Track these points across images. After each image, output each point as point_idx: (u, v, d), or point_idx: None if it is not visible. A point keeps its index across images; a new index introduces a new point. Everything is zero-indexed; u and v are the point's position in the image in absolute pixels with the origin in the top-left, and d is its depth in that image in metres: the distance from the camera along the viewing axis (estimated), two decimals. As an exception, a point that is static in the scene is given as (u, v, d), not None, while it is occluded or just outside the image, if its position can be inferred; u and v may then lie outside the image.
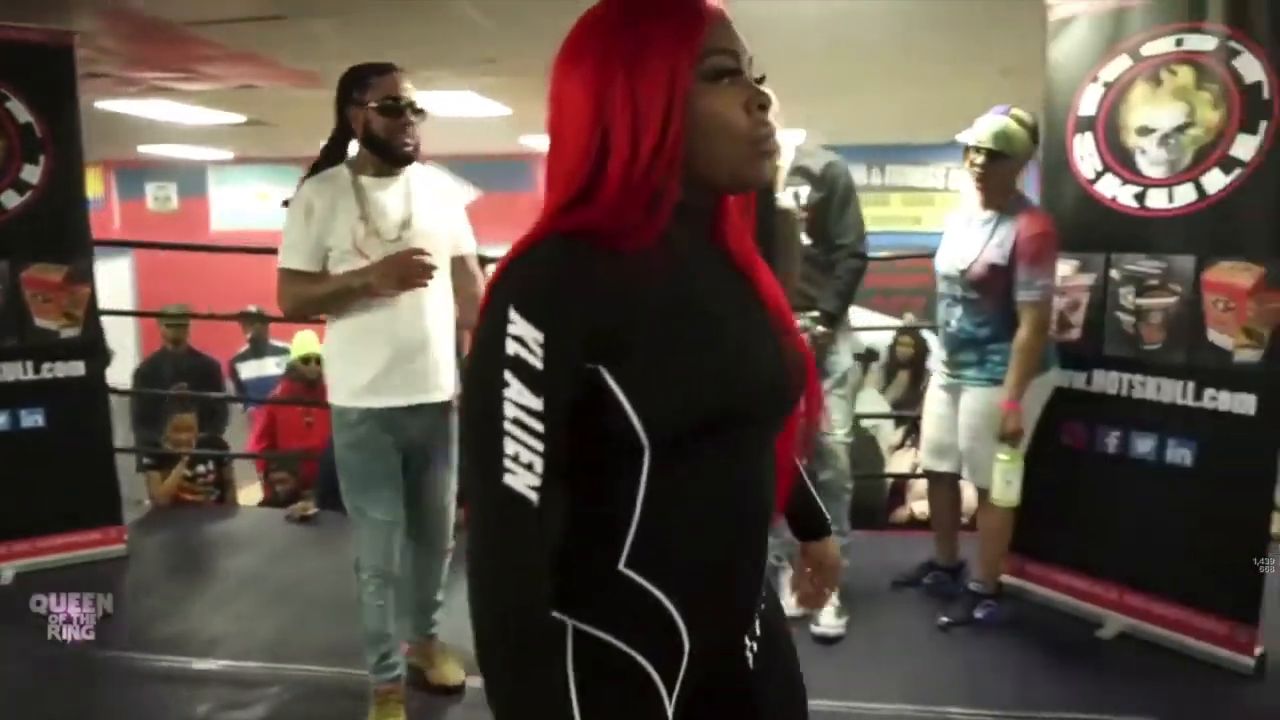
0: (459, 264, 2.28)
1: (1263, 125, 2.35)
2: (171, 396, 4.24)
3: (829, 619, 2.68)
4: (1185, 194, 2.50)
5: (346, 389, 2.18)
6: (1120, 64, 2.60)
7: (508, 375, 0.76)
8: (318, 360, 4.45)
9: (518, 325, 0.76)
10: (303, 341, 4.61)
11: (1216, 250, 2.45)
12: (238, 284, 6.93)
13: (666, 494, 0.82)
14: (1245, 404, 2.41)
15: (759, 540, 0.91)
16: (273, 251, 2.21)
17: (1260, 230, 2.37)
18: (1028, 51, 2.94)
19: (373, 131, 2.11)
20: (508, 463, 0.77)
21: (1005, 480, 2.55)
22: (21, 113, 3.05)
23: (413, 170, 2.20)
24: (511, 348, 0.76)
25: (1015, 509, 2.61)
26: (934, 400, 2.80)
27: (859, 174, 9.48)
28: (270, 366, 5.27)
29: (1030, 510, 2.64)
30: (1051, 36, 2.75)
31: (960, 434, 2.67)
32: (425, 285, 2.09)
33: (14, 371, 3.10)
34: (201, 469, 3.98)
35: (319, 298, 2.16)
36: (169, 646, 2.67)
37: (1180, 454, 2.55)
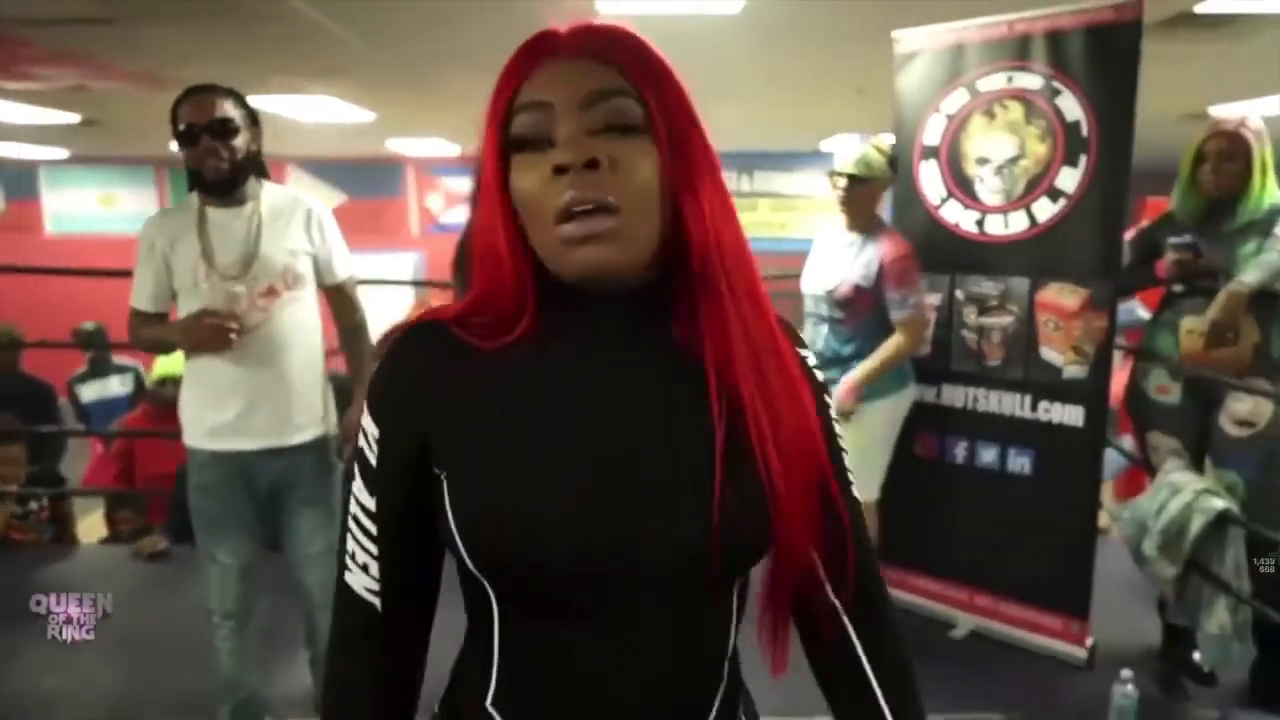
0: (332, 293, 2.18)
1: (1082, 159, 2.54)
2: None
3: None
4: (1019, 221, 2.68)
5: (196, 430, 2.08)
6: (959, 97, 2.76)
7: (356, 469, 0.74)
8: (176, 382, 4.19)
9: (365, 418, 0.73)
10: (163, 361, 4.32)
11: (1047, 273, 2.64)
12: (75, 298, 6.44)
13: (520, 642, 0.70)
14: (1074, 415, 2.62)
15: None
16: (114, 273, 2.10)
17: (1084, 255, 2.57)
18: (880, 74, 3.08)
19: (187, 163, 1.99)
20: (347, 559, 0.75)
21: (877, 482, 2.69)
22: None
23: (266, 193, 2.07)
24: (360, 441, 0.73)
25: (877, 515, 2.72)
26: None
27: (729, 180, 9.69)
28: (115, 386, 4.90)
29: (886, 518, 2.77)
30: (898, 69, 2.89)
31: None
32: (229, 346, 1.97)
33: None
34: (34, 505, 3.66)
35: (154, 341, 2.11)
36: (-4, 711, 2.47)
37: (1020, 462, 2.73)
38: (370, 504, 0.72)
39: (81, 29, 3.46)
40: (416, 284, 8.74)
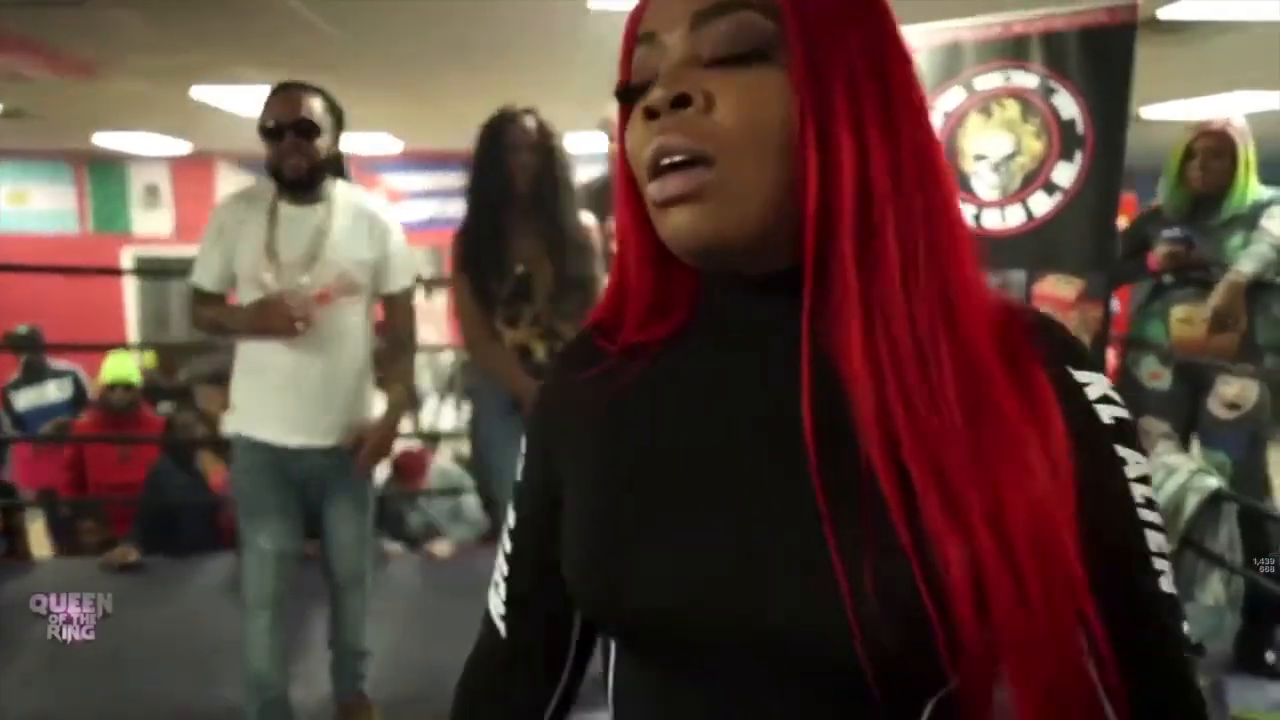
0: (386, 303, 2.15)
1: (1078, 155, 2.65)
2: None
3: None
4: (1016, 215, 2.78)
5: (239, 416, 2.11)
6: (956, 95, 2.84)
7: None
8: (127, 387, 4.00)
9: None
10: (114, 365, 4.11)
11: (1044, 265, 2.74)
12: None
13: (628, 694, 0.60)
14: (1070, 402, 2.73)
15: None
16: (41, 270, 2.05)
17: (1079, 247, 2.68)
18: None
19: (267, 157, 1.99)
20: (495, 575, 0.68)
21: None
22: None
23: (340, 195, 2.06)
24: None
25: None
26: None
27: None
28: (52, 392, 4.62)
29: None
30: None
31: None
32: (294, 335, 1.97)
33: None
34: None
35: (216, 323, 2.10)
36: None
37: (1017, 449, 2.84)
38: (511, 520, 0.66)
39: (38, 11, 3.26)
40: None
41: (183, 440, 3.65)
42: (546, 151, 2.11)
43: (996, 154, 2.78)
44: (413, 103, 5.79)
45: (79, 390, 4.82)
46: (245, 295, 2.04)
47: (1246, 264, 2.42)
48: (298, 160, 1.95)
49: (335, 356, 2.06)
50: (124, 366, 4.21)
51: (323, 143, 1.98)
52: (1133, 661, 0.50)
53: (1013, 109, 2.74)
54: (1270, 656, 2.61)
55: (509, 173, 2.10)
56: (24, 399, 4.59)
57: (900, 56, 0.52)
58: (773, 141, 0.49)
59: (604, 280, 2.46)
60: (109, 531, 3.64)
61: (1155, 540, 0.52)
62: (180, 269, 2.35)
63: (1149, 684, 0.51)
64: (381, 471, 4.00)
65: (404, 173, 9.31)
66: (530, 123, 2.11)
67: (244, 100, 5.32)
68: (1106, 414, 0.51)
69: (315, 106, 1.98)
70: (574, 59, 4.13)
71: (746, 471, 0.52)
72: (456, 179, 9.21)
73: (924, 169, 0.51)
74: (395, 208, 9.33)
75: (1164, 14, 3.49)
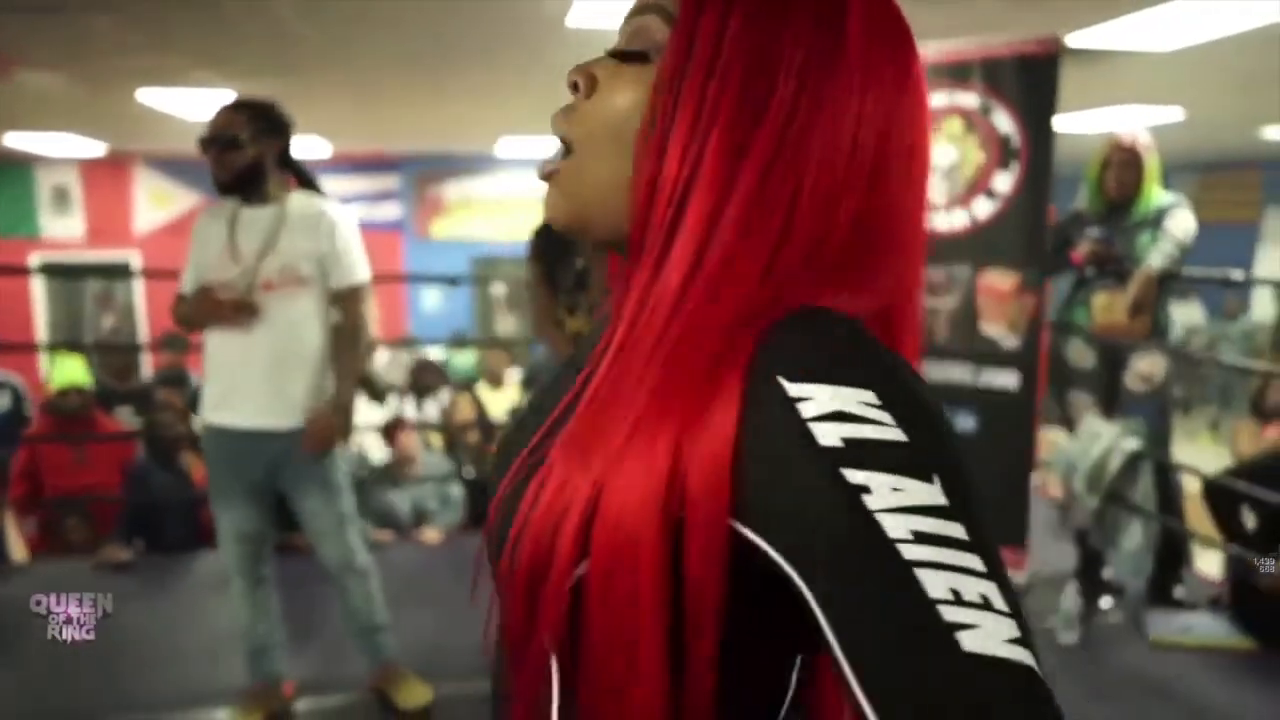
0: (336, 298, 2.29)
1: (1014, 165, 3.06)
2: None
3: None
4: (961, 218, 3.17)
5: (204, 403, 2.30)
6: (907, 111, 3.21)
7: None
8: (79, 391, 3.99)
9: None
10: (65, 370, 4.07)
11: (986, 261, 3.14)
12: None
13: None
14: (1011, 380, 3.13)
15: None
16: None
17: (1016, 245, 3.09)
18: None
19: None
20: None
21: None
22: None
23: (295, 198, 2.25)
24: None
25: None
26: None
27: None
28: None
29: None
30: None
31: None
32: (232, 322, 2.16)
33: None
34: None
35: (183, 317, 2.30)
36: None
37: (966, 423, 3.23)
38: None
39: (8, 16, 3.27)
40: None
41: (163, 438, 3.69)
42: None
43: (944, 164, 3.17)
44: (348, 107, 5.84)
45: (17, 400, 4.70)
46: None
47: (1156, 259, 2.88)
48: (219, 170, 2.16)
49: (285, 343, 2.20)
50: (75, 370, 4.18)
51: (246, 155, 2.15)
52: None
53: (956, 125, 3.13)
54: (1179, 591, 3.08)
55: None
56: None
57: (810, 105, 0.49)
58: (623, 135, 0.52)
59: None
60: (93, 530, 3.65)
61: (935, 581, 0.39)
62: (94, 273, 2.50)
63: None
64: (377, 458, 4.12)
65: (336, 176, 9.26)
66: None
67: (192, 104, 5.29)
68: (831, 433, 0.42)
69: (236, 121, 2.15)
70: (546, 74, 4.31)
71: (564, 405, 0.55)
72: (386, 182, 9.24)
73: (766, 201, 0.49)
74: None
75: (1072, 42, 3.98)
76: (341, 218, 2.26)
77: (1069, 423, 3.20)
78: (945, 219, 3.20)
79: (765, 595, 0.46)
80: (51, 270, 7.62)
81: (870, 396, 0.43)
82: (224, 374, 2.22)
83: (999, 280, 3.13)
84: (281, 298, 2.18)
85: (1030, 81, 3.00)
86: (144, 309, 8.85)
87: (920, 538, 0.40)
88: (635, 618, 0.45)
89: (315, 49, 4.16)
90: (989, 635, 0.38)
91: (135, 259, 8.41)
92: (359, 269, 2.28)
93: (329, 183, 8.77)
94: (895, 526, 0.40)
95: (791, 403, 0.43)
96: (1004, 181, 3.09)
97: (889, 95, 0.51)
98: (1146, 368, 3.00)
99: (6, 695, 2.56)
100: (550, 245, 2.46)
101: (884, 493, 0.41)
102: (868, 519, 0.40)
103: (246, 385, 2.19)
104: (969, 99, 3.11)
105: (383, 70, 4.39)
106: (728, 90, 0.49)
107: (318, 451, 2.24)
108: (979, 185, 3.13)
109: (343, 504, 2.34)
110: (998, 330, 3.14)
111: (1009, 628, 0.39)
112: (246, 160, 2.15)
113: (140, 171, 8.73)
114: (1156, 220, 2.98)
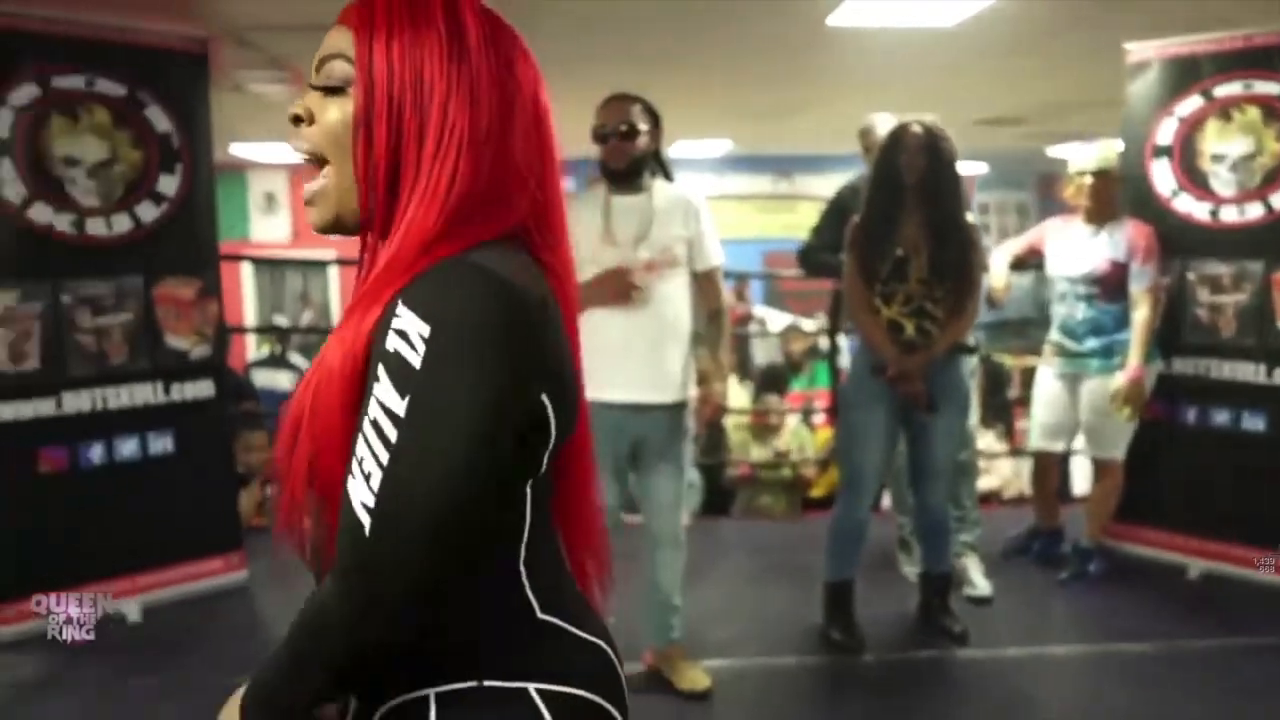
0: (701, 279, 2.45)
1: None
2: (240, 414, 3.98)
3: (981, 582, 3.05)
4: (1255, 210, 3.07)
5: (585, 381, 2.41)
6: (1193, 102, 3.14)
7: None
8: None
9: None
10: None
11: (1282, 256, 3.03)
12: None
13: None
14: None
15: None
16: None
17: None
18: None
19: (599, 156, 2.38)
20: None
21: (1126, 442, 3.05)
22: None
23: (659, 186, 2.41)
24: None
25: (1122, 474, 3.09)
26: (1049, 389, 3.23)
27: (768, 183, 10.10)
28: (283, 381, 5.00)
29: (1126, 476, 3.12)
30: (1129, 78, 3.27)
31: (1086, 413, 3.11)
32: (631, 302, 2.29)
33: (144, 394, 2.89)
34: (271, 491, 3.77)
35: None
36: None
37: (1254, 423, 3.12)
38: None
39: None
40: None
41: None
42: (934, 152, 2.43)
43: (1235, 154, 3.07)
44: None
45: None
46: (585, 275, 2.34)
47: None
48: (615, 158, 2.33)
49: (664, 321, 2.37)
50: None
51: (641, 143, 2.33)
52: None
53: (1253, 113, 3.03)
54: None
55: (899, 169, 2.44)
56: (261, 377, 5.01)
57: (453, 105, 0.74)
58: (342, 143, 0.75)
59: (984, 271, 2.77)
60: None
61: (361, 449, 0.67)
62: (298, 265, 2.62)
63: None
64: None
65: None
66: (918, 129, 2.43)
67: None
68: (392, 341, 0.67)
69: (635, 112, 2.34)
70: (808, 72, 4.34)
71: None
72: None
73: (434, 176, 0.73)
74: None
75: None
76: (703, 204, 2.42)
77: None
78: (1235, 211, 3.11)
79: None
80: (260, 263, 8.27)
81: (425, 329, 0.66)
82: (605, 351, 2.32)
83: (1296, 275, 3.01)
84: (661, 279, 2.33)
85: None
86: (339, 305, 9.47)
87: (373, 424, 0.66)
88: (329, 417, 0.71)
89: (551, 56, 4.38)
90: (356, 489, 0.66)
91: (332, 257, 8.98)
92: (719, 251, 2.44)
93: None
94: (372, 406, 0.67)
95: (393, 318, 0.67)
96: (1302, 173, 2.97)
97: (508, 87, 0.76)
98: None
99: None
100: (869, 235, 2.52)
101: (381, 389, 0.66)
102: (370, 391, 0.67)
103: (628, 362, 2.33)
104: (1269, 86, 3.00)
105: (577, 76, 4.55)
106: (402, 103, 0.73)
107: (710, 420, 2.42)
108: (1279, 176, 3.02)
109: (684, 483, 2.50)
110: (1293, 326, 3.02)
111: (367, 499, 0.65)
112: (641, 149, 2.32)
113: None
114: None
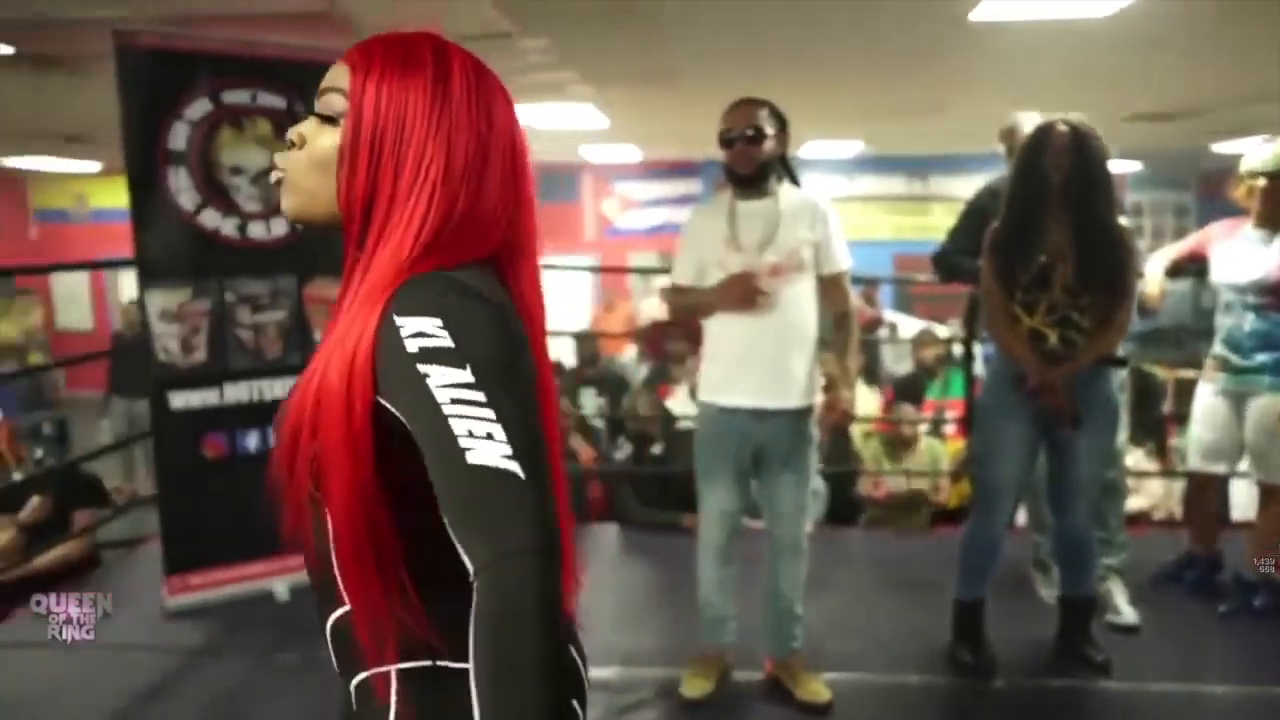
0: (827, 282, 2.40)
1: None
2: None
3: (1127, 610, 2.85)
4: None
5: (704, 384, 2.45)
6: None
7: None
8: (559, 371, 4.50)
9: None
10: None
11: None
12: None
13: None
14: None
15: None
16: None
17: None
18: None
19: (724, 160, 2.37)
20: None
21: None
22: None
23: (785, 191, 2.38)
24: None
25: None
26: (1210, 406, 2.99)
27: (901, 185, 9.81)
28: None
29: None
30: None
31: (1252, 434, 2.87)
32: (758, 306, 2.27)
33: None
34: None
35: (690, 306, 2.46)
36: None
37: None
38: None
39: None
40: (596, 269, 9.01)
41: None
42: (1082, 152, 2.30)
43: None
44: (669, 115, 6.08)
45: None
46: (711, 279, 2.37)
47: None
48: (742, 162, 2.30)
49: (790, 326, 2.33)
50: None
51: (768, 146, 2.31)
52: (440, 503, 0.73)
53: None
54: None
55: (1044, 171, 2.32)
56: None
57: (434, 142, 0.82)
58: (328, 167, 0.84)
59: (1138, 279, 2.61)
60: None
61: (458, 423, 0.71)
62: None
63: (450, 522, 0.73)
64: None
65: (639, 181, 9.76)
66: (1064, 127, 2.31)
67: (537, 115, 5.77)
68: (413, 344, 0.74)
69: (761, 116, 2.31)
70: (947, 69, 4.23)
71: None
72: (689, 186, 9.60)
73: (411, 198, 0.81)
74: (628, 215, 9.77)
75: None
76: (830, 208, 2.38)
77: None
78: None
79: (410, 443, 0.75)
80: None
81: (435, 321, 0.74)
82: (729, 356, 2.37)
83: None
84: (787, 283, 2.31)
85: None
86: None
87: (454, 400, 0.71)
88: (333, 428, 0.77)
89: (684, 60, 4.41)
90: (487, 454, 0.70)
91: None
92: (846, 255, 2.40)
93: (636, 187, 9.27)
94: (441, 393, 0.72)
95: (396, 327, 0.75)
96: None
97: (484, 128, 0.84)
98: None
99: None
100: (1009, 240, 2.40)
101: (439, 377, 0.72)
102: (427, 391, 0.72)
103: (753, 367, 2.33)
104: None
105: (706, 78, 4.55)
106: (383, 138, 0.82)
107: (836, 428, 2.40)
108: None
109: (808, 492, 2.46)
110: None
111: (504, 450, 0.70)
112: (768, 153, 2.31)
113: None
114: None
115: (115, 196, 3.03)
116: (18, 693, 2.52)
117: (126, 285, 7.31)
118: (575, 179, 9.70)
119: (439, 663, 0.82)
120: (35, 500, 3.31)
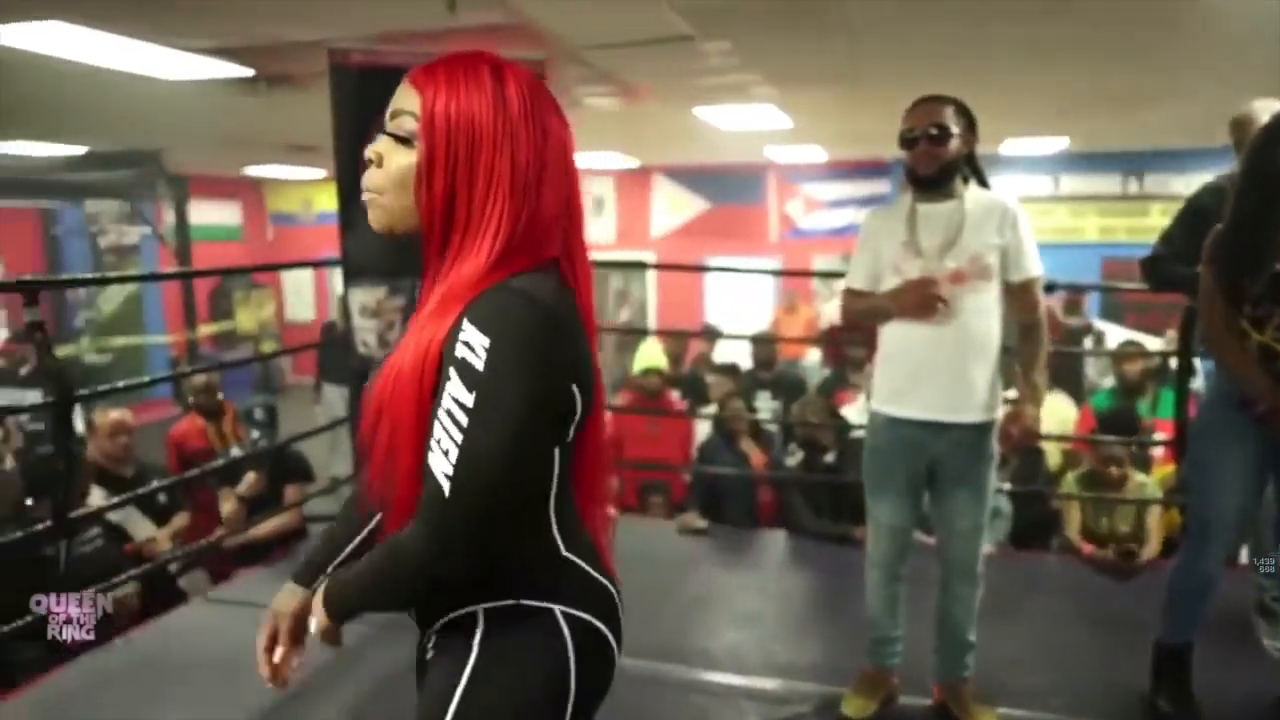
0: (1015, 289, 2.24)
1: None
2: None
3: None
4: None
5: (876, 393, 2.34)
6: None
7: None
8: (659, 373, 4.52)
9: None
10: (644, 355, 4.70)
11: None
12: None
13: None
14: None
15: None
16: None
17: None
18: None
19: (906, 161, 2.24)
20: None
21: None
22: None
23: (971, 193, 2.24)
24: None
25: None
26: None
27: (1113, 183, 9.02)
28: None
29: None
30: None
31: None
32: (935, 313, 2.15)
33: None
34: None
35: (867, 310, 2.36)
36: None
37: None
38: None
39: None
40: (778, 273, 8.94)
41: (728, 422, 4.05)
42: None
43: None
44: (860, 116, 5.88)
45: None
46: (888, 285, 2.25)
47: None
48: (925, 162, 2.17)
49: (971, 335, 2.18)
50: (655, 355, 4.78)
51: (952, 146, 2.16)
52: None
53: None
54: None
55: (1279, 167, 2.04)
56: None
57: (498, 154, 0.93)
58: (405, 183, 0.94)
59: None
60: (669, 497, 4.15)
61: (438, 430, 0.89)
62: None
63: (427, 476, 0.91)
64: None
65: (823, 182, 9.57)
66: None
67: (720, 116, 5.76)
68: (461, 350, 0.88)
69: (948, 115, 2.16)
70: (1169, 55, 3.88)
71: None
72: (877, 186, 9.29)
73: (486, 210, 0.93)
74: (812, 216, 9.58)
75: None
76: (1021, 211, 2.22)
77: None
78: None
79: None
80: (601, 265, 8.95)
81: (486, 341, 0.88)
82: (904, 365, 2.26)
83: None
84: (970, 290, 2.18)
85: None
86: (654, 303, 10.01)
87: (447, 410, 0.89)
88: (403, 405, 0.93)
89: (869, 58, 4.26)
90: (437, 462, 0.89)
91: (650, 258, 9.49)
92: (1038, 261, 2.23)
93: (821, 187, 9.06)
94: (446, 398, 0.89)
95: (460, 332, 0.89)
96: None
97: (540, 139, 0.95)
98: None
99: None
100: (1237, 245, 2.11)
101: (453, 385, 0.89)
102: (442, 389, 0.90)
103: (930, 377, 2.21)
104: None
105: (898, 71, 4.34)
106: (456, 157, 0.92)
107: (1019, 445, 2.27)
108: None
109: (985, 512, 2.30)
110: None
111: (446, 470, 0.88)
112: (953, 153, 2.18)
113: (659, 181, 9.86)
114: None
115: (335, 201, 3.31)
116: (241, 648, 2.79)
117: (339, 282, 8.01)
118: (760, 180, 9.64)
119: (522, 601, 0.97)
120: (251, 475, 3.67)
